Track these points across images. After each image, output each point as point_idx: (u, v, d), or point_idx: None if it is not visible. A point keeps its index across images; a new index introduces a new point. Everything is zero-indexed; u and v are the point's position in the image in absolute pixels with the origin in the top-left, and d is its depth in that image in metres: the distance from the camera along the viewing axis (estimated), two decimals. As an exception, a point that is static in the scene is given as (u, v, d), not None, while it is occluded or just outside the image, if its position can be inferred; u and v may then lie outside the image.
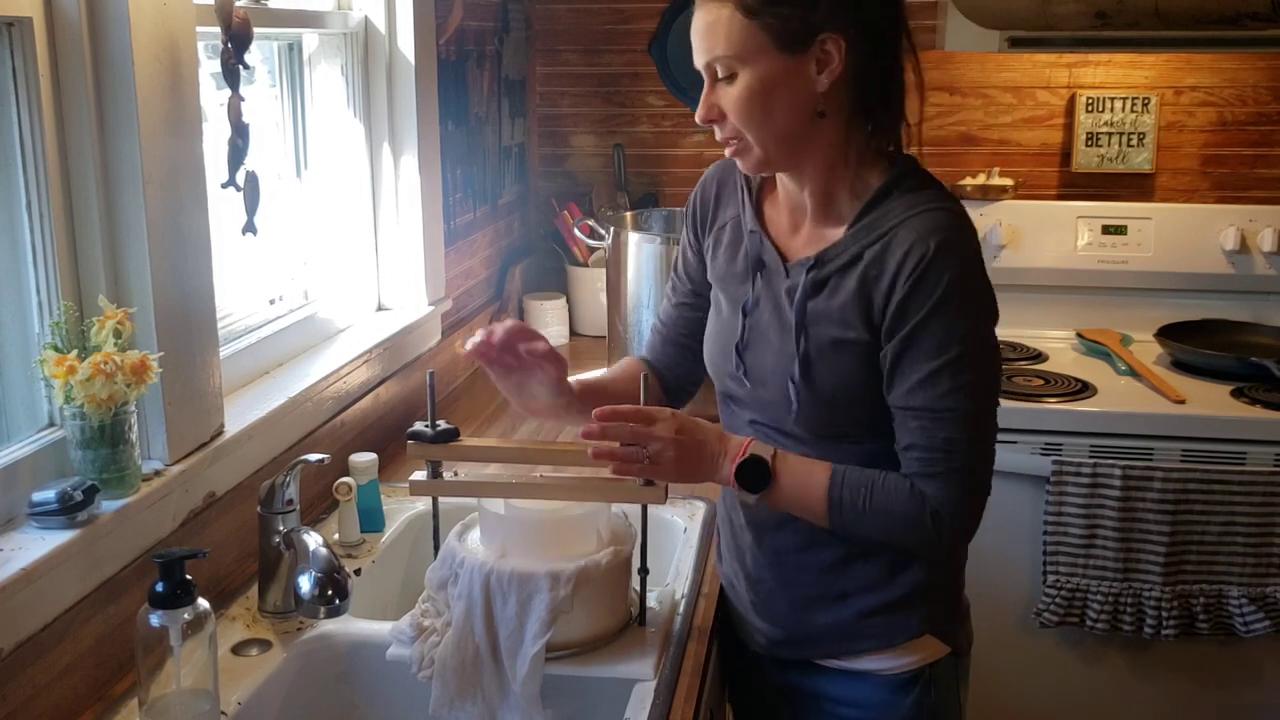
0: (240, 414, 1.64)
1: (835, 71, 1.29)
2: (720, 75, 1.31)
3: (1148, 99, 2.89)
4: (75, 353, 1.30)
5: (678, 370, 1.60)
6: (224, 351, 1.66)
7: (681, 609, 1.52)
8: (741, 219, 1.47)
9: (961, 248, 1.31)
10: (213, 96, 1.72)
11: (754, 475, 1.34)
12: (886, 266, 1.30)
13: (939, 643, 1.46)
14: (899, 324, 1.30)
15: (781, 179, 1.43)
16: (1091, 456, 2.36)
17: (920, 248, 1.28)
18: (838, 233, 1.37)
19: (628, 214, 2.65)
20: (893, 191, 1.35)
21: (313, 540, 1.40)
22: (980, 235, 2.84)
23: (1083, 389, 2.49)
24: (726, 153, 1.38)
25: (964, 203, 3.06)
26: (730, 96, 1.31)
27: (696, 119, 1.36)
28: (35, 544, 1.24)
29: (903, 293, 1.29)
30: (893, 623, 1.44)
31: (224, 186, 1.53)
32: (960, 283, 1.30)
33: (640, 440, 1.32)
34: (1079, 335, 2.83)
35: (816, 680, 1.50)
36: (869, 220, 1.34)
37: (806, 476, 1.35)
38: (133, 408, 1.35)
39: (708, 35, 1.30)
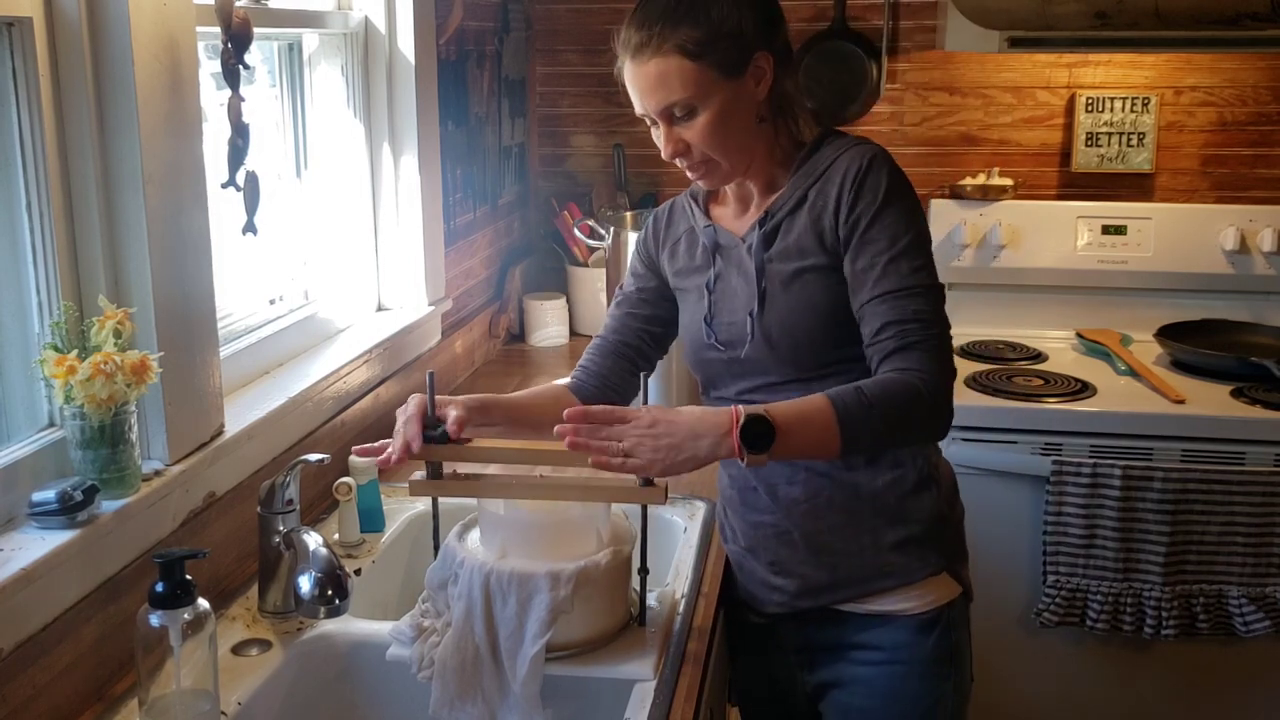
0: (240, 414, 1.64)
1: (768, 81, 1.47)
2: (679, 115, 1.45)
3: (1148, 99, 2.89)
4: (75, 353, 1.30)
5: (610, 382, 1.63)
6: (224, 351, 1.66)
7: (681, 609, 1.52)
8: (695, 225, 1.61)
9: (890, 161, 1.47)
10: (213, 96, 1.72)
11: (757, 434, 1.33)
12: (829, 191, 1.46)
13: (953, 582, 1.55)
14: (853, 230, 1.44)
15: None
16: (1091, 456, 2.36)
17: (856, 164, 1.45)
18: (781, 192, 1.52)
19: (627, 214, 2.65)
20: (823, 143, 1.51)
21: (313, 540, 1.40)
22: (980, 235, 2.86)
23: (1083, 389, 2.49)
24: (692, 176, 1.52)
25: (964, 203, 3.06)
26: (694, 130, 1.45)
27: (664, 156, 1.49)
28: (35, 544, 1.24)
29: (849, 202, 1.44)
30: (911, 558, 1.51)
31: (224, 186, 1.53)
32: (898, 184, 1.45)
33: (612, 438, 1.32)
34: (1079, 335, 2.83)
35: (839, 630, 1.56)
36: (807, 167, 1.50)
37: (804, 413, 1.37)
38: (133, 408, 1.35)
39: (660, 85, 1.43)
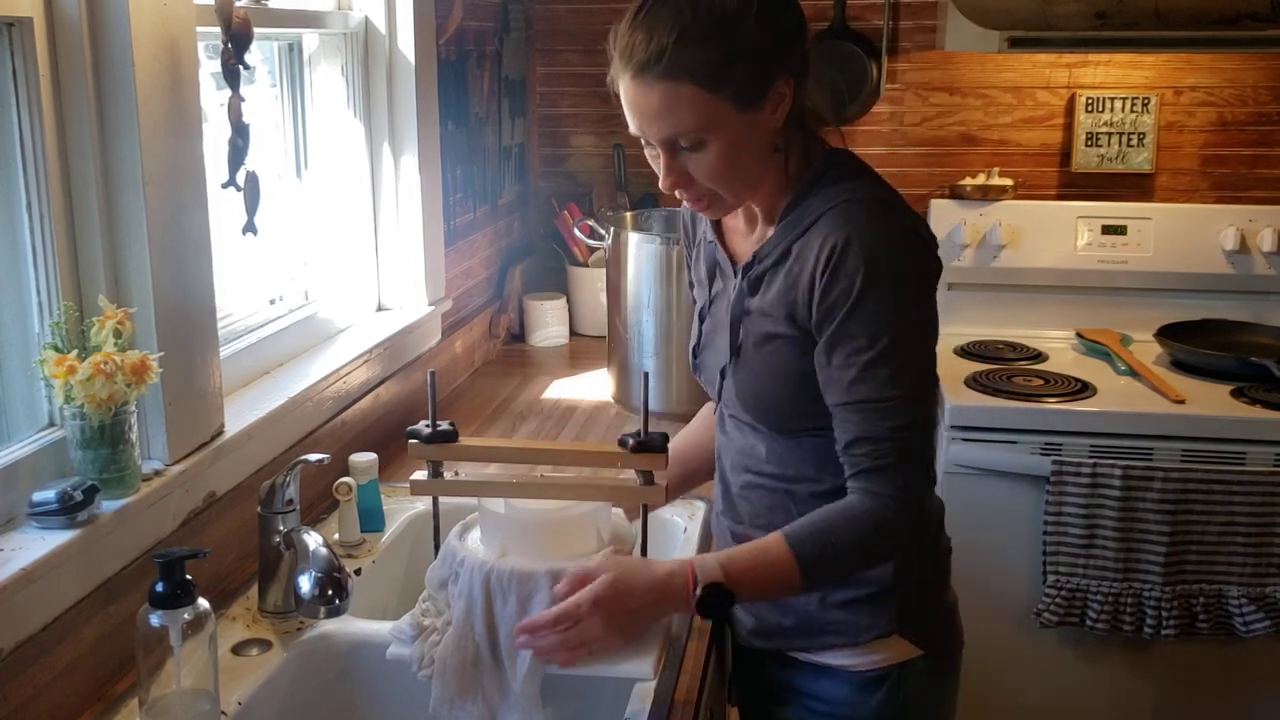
0: (240, 414, 1.64)
1: (786, 106, 1.32)
2: (684, 145, 1.31)
3: (1148, 99, 2.89)
4: (75, 353, 1.30)
5: None
6: (224, 351, 1.66)
7: (681, 609, 1.52)
8: (706, 231, 1.52)
9: (873, 236, 1.29)
10: (213, 96, 1.72)
11: (715, 604, 1.29)
12: (805, 264, 1.32)
13: (909, 644, 1.45)
14: (827, 318, 1.31)
15: None
16: (1091, 456, 2.36)
17: (830, 244, 1.29)
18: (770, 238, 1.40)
19: (628, 214, 2.65)
20: (814, 186, 1.36)
21: (313, 540, 1.40)
22: (980, 235, 2.85)
23: (1083, 389, 2.49)
24: (692, 208, 1.40)
25: (964, 203, 3.04)
26: (702, 164, 1.31)
27: (662, 188, 1.35)
28: (35, 544, 1.24)
29: (821, 290, 1.30)
30: (858, 619, 1.43)
31: (224, 186, 1.53)
32: (877, 271, 1.28)
33: (566, 635, 1.28)
34: (1079, 335, 2.83)
35: (789, 673, 1.52)
36: (794, 215, 1.36)
37: (762, 569, 1.32)
38: (133, 408, 1.35)
39: (667, 113, 1.28)
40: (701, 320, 1.51)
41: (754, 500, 1.48)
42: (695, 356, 1.53)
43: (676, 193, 1.36)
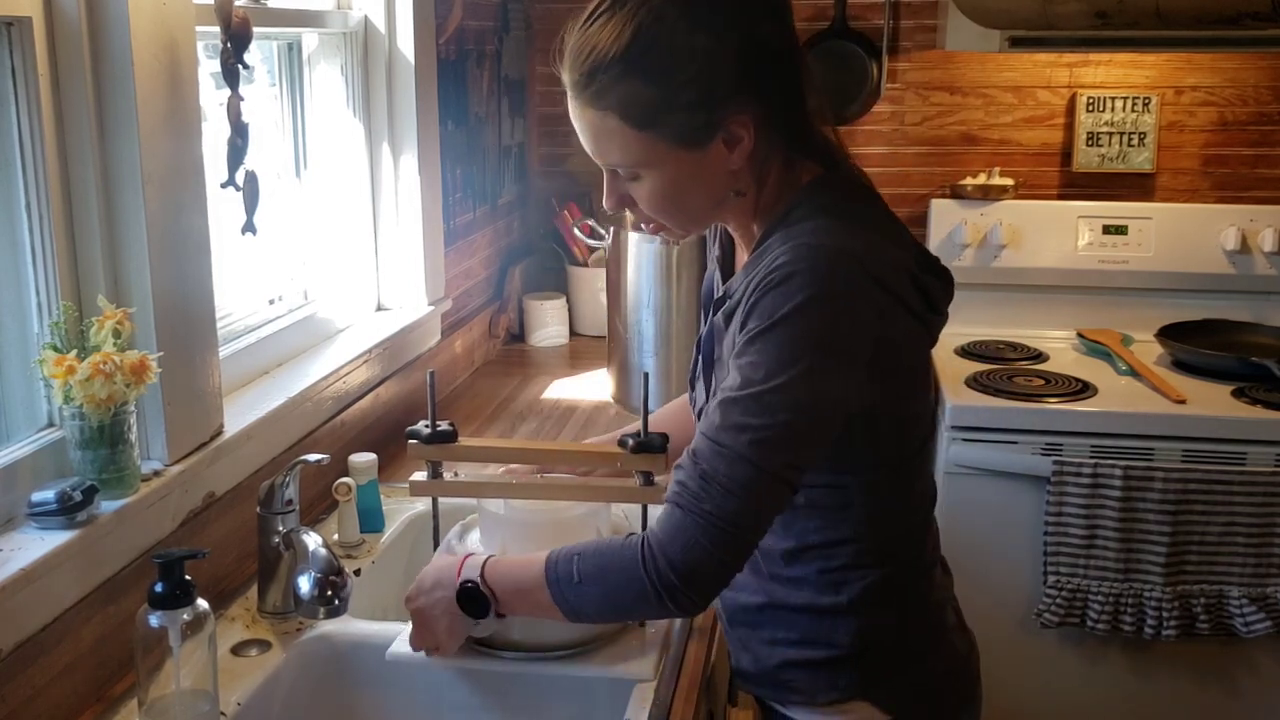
0: (240, 414, 1.64)
1: (747, 147, 1.17)
2: (621, 174, 1.21)
3: (1148, 99, 2.88)
4: (75, 353, 1.30)
5: None
6: (224, 351, 1.66)
7: (681, 609, 1.52)
8: (712, 251, 1.44)
9: (801, 281, 1.12)
10: (213, 96, 1.72)
11: (470, 599, 1.28)
12: (740, 306, 1.18)
13: (877, 710, 1.31)
14: (734, 345, 1.17)
15: None
16: (1092, 456, 2.36)
17: (770, 272, 1.13)
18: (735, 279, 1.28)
19: (627, 214, 2.65)
20: (782, 222, 1.21)
21: (312, 540, 1.40)
22: (981, 235, 2.85)
23: (1083, 389, 2.49)
24: (646, 230, 1.31)
25: (964, 202, 3.03)
26: (640, 194, 1.21)
27: (605, 208, 1.27)
28: (35, 544, 1.24)
29: (744, 313, 1.16)
30: (817, 680, 1.31)
31: (224, 186, 1.53)
32: (789, 317, 1.12)
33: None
34: (1079, 335, 2.83)
35: (765, 715, 1.43)
36: (758, 252, 1.22)
37: (521, 583, 1.25)
38: (132, 408, 1.34)
39: (595, 141, 1.18)
40: (698, 350, 1.37)
41: None
42: (691, 387, 1.42)
43: (627, 212, 1.28)
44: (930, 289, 1.24)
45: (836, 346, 1.14)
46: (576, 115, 1.20)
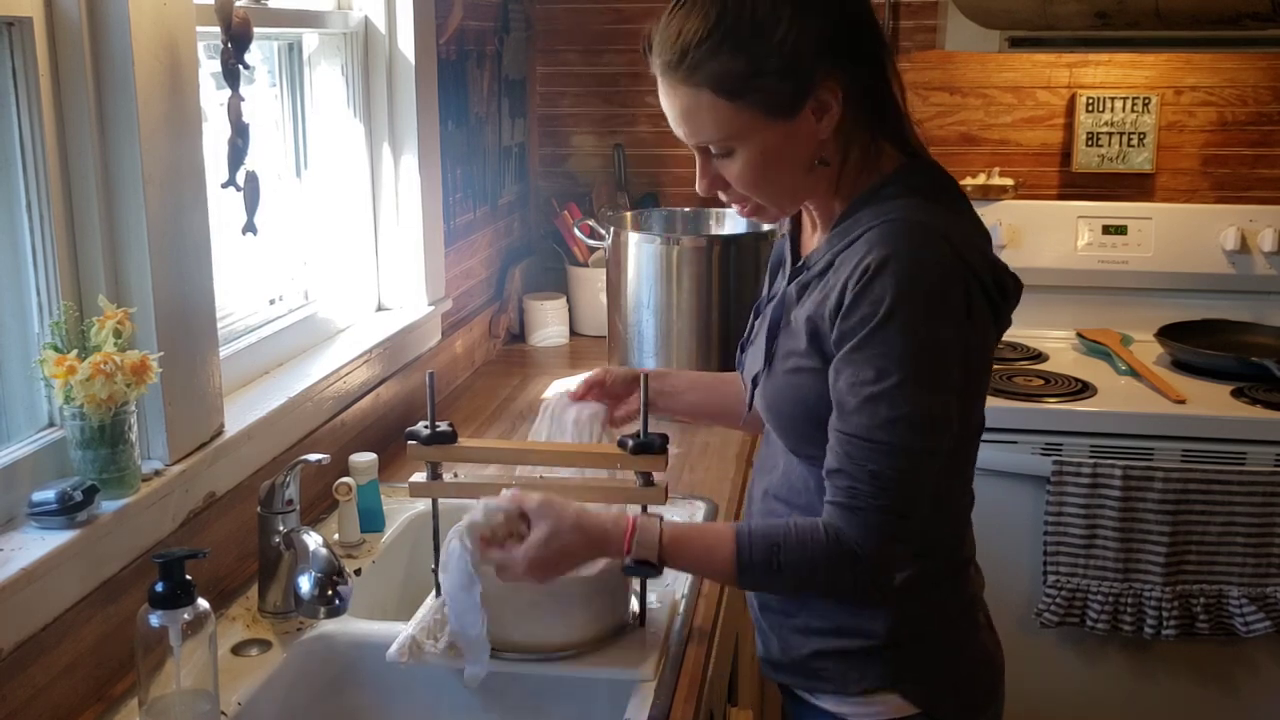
0: (240, 414, 1.64)
1: (836, 115, 1.22)
2: (715, 152, 1.25)
3: (1148, 99, 2.89)
4: (75, 353, 1.30)
5: None
6: (224, 351, 1.66)
7: (681, 609, 1.52)
8: (785, 222, 1.44)
9: (909, 262, 1.18)
10: (213, 96, 1.72)
11: (641, 573, 1.32)
12: (840, 278, 1.22)
13: (906, 702, 1.33)
14: (843, 341, 1.20)
15: None
16: (1092, 456, 2.36)
17: (865, 263, 1.18)
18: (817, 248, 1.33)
19: (628, 214, 2.65)
20: (871, 199, 1.26)
21: (313, 540, 1.40)
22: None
23: (1083, 389, 2.49)
24: (738, 212, 1.33)
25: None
26: (732, 171, 1.25)
27: (699, 191, 1.29)
28: (35, 544, 1.24)
29: (847, 307, 1.19)
30: (849, 670, 1.34)
31: (224, 186, 1.53)
32: (902, 302, 1.17)
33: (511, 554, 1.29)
34: (1079, 335, 2.83)
35: (798, 710, 1.45)
36: (844, 225, 1.27)
37: (705, 548, 1.29)
38: (132, 408, 1.35)
39: (688, 119, 1.22)
40: (755, 315, 1.42)
41: (765, 515, 1.41)
42: (741, 351, 1.45)
43: (720, 195, 1.30)
44: (1007, 287, 1.28)
45: (950, 320, 1.20)
46: (668, 97, 1.24)
